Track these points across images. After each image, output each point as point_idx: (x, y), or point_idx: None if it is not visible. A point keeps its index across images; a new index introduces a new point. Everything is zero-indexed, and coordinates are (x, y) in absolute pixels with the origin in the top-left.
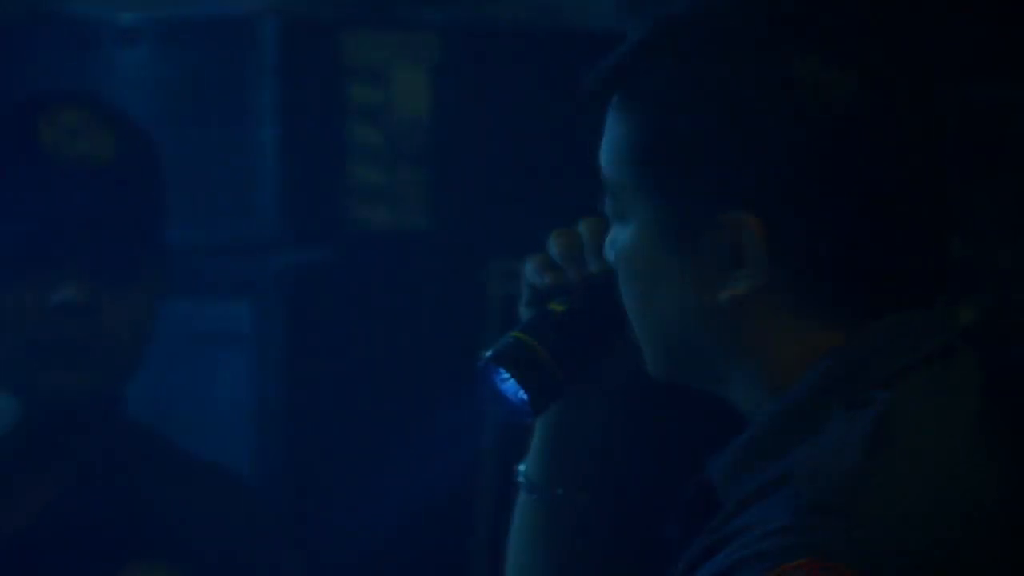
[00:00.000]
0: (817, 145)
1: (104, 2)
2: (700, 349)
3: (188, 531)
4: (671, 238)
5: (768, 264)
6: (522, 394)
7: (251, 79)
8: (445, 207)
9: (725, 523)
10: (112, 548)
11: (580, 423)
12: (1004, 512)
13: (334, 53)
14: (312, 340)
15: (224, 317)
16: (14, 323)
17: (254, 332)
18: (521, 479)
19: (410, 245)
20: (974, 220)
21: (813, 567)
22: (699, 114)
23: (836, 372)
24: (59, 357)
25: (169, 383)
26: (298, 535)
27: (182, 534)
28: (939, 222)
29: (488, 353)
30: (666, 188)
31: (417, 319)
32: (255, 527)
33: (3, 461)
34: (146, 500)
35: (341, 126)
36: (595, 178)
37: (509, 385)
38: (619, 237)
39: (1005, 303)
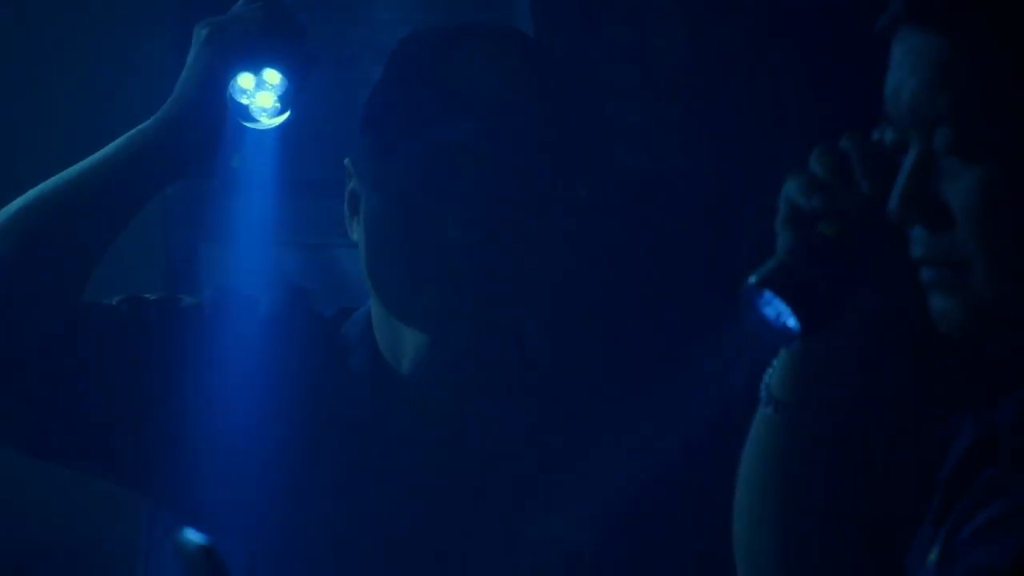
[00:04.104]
0: None
1: None
2: None
3: (586, 478)
4: None
5: None
6: (789, 320)
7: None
8: (702, 145)
9: (1009, 473)
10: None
11: (835, 351)
12: None
13: None
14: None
15: None
16: (418, 255)
17: None
18: (764, 393)
19: (666, 184)
20: None
21: None
22: None
23: None
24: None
25: None
26: None
27: (579, 480)
28: None
29: (755, 278)
30: None
31: (674, 259)
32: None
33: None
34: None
35: (596, 65)
36: (866, 112)
37: (772, 309)
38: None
39: None
